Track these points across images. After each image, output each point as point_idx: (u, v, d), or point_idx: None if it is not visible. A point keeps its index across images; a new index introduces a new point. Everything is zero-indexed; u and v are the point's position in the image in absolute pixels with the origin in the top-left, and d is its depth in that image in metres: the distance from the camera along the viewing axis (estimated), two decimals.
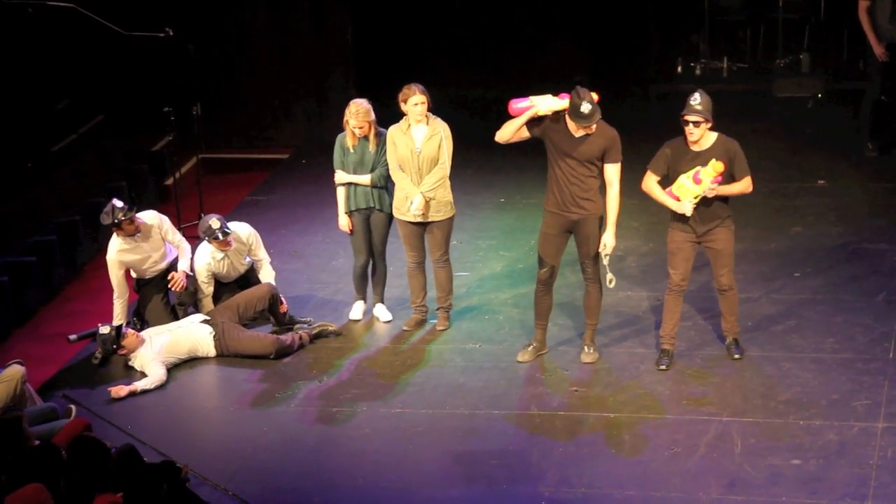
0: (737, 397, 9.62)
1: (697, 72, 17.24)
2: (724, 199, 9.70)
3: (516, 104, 9.76)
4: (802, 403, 9.45)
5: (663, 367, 10.08)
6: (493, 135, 9.87)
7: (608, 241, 9.82)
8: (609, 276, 9.92)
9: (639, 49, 17.30)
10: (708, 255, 9.94)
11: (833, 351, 10.21)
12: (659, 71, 17.29)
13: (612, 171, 9.74)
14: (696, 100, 9.51)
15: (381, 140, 10.74)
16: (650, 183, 9.79)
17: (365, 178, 10.76)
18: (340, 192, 10.85)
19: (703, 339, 10.48)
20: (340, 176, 10.79)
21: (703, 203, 9.64)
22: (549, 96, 9.72)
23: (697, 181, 9.51)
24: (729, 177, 9.60)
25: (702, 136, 9.54)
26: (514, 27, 17.32)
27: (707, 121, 9.49)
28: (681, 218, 9.75)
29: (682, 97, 9.67)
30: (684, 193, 9.59)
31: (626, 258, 12.10)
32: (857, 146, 14.58)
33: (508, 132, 9.77)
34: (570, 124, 9.61)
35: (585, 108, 9.49)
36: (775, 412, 9.36)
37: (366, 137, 10.71)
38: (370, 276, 11.17)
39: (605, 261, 9.87)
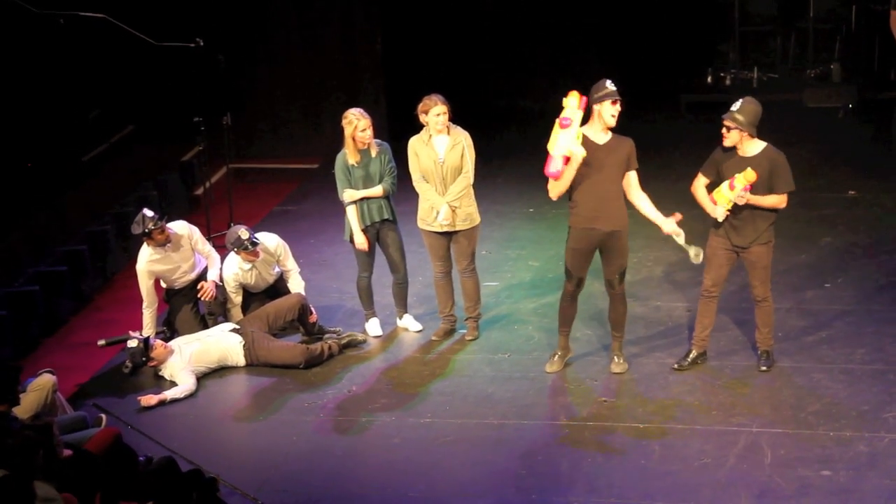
0: (766, 408, 9.59)
1: (727, 82, 17.24)
2: (764, 215, 9.65)
3: (549, 169, 9.64)
4: (832, 414, 9.41)
5: (676, 366, 10.11)
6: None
7: (671, 228, 9.73)
8: (694, 249, 9.83)
9: (668, 59, 17.29)
10: (745, 264, 9.91)
11: (863, 362, 10.17)
12: (689, 81, 17.27)
13: (636, 177, 9.75)
14: (737, 106, 9.54)
15: (381, 148, 10.75)
16: (697, 185, 9.79)
17: (377, 190, 10.72)
18: (352, 210, 10.72)
19: (734, 349, 10.46)
20: (352, 194, 10.69)
21: (741, 215, 9.63)
22: (558, 136, 9.56)
23: (731, 188, 9.51)
24: (768, 189, 9.57)
25: (737, 141, 9.53)
26: (543, 37, 17.34)
27: (740, 129, 9.47)
28: (718, 224, 9.77)
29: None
30: (721, 199, 9.60)
31: (656, 268, 12.09)
32: (887, 156, 14.54)
33: (562, 187, 9.70)
34: (597, 128, 9.63)
35: (610, 84, 9.57)
36: (805, 423, 9.33)
37: (367, 150, 10.70)
38: (393, 291, 11.18)
39: (682, 240, 9.79)
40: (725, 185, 9.55)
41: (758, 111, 9.53)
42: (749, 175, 9.45)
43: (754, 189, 9.51)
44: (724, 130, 9.56)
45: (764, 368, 10.03)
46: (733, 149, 9.61)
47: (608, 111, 9.56)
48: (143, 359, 10.51)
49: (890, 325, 10.69)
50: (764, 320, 10.04)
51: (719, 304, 10.71)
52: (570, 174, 9.60)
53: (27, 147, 13.09)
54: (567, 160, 9.54)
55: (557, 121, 9.51)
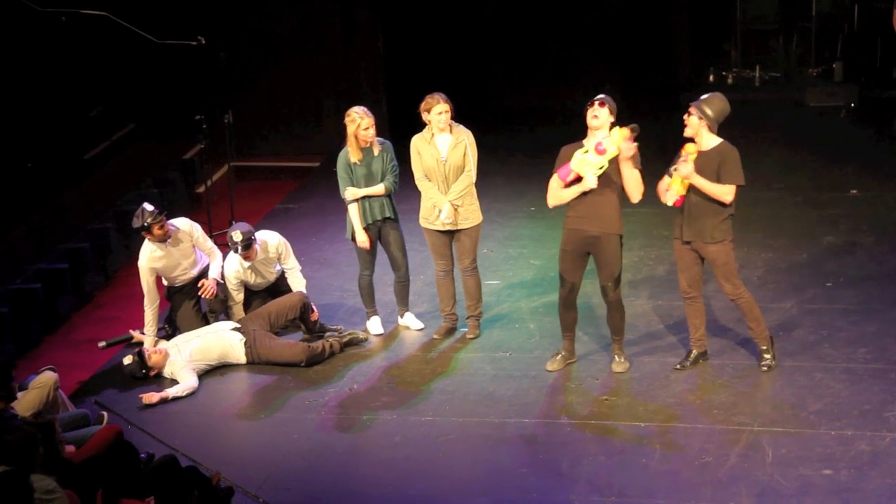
0: (768, 407, 9.59)
1: (729, 81, 17.24)
2: (713, 209, 9.62)
3: (560, 172, 9.67)
4: (834, 413, 9.40)
5: (678, 366, 10.12)
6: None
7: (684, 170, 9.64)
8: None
9: (670, 58, 17.29)
10: (709, 266, 9.92)
11: (865, 361, 10.16)
12: (690, 80, 17.27)
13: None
14: (706, 96, 9.67)
15: (384, 146, 10.75)
16: (661, 184, 9.82)
17: (379, 188, 10.72)
18: (353, 209, 10.72)
19: (735, 347, 10.45)
20: (353, 192, 10.69)
21: (691, 207, 9.65)
22: (585, 156, 9.56)
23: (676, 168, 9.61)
24: (717, 181, 9.59)
25: (696, 131, 9.60)
26: (544, 35, 17.33)
27: (701, 118, 9.54)
28: (675, 226, 9.83)
29: None
30: (672, 182, 9.64)
31: (658, 267, 12.08)
32: (889, 155, 14.52)
33: (560, 201, 9.76)
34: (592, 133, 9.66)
35: (603, 95, 9.69)
36: (806, 422, 9.32)
37: (369, 148, 10.70)
38: (395, 289, 11.17)
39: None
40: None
41: (725, 109, 9.64)
42: (689, 148, 9.56)
43: (703, 176, 9.53)
44: (685, 116, 9.65)
45: (765, 367, 10.02)
46: (692, 144, 9.66)
47: (589, 114, 9.66)
48: (144, 371, 10.50)
49: (892, 325, 10.68)
50: (749, 316, 9.99)
51: (719, 303, 10.73)
52: (570, 195, 9.66)
53: (28, 145, 13.11)
54: (577, 179, 9.56)
55: (594, 142, 9.52)
